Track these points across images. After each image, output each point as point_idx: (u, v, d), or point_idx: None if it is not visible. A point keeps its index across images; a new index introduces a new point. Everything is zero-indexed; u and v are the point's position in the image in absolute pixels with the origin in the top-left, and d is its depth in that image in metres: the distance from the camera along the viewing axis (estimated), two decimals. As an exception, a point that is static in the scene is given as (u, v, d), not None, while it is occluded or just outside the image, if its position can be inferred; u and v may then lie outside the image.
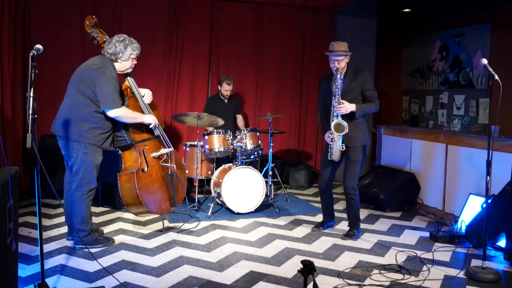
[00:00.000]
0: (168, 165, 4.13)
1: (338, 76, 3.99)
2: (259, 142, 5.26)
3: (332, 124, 3.98)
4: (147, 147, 4.04)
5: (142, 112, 4.00)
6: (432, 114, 8.03)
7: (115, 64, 3.80)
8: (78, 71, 3.74)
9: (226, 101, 5.91)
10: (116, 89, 3.70)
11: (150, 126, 3.99)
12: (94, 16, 3.94)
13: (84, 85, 3.63)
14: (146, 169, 4.00)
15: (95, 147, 3.71)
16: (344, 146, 4.05)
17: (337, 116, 4.00)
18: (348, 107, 3.97)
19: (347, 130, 3.95)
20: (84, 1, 5.80)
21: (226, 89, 5.78)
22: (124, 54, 3.78)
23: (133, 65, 3.91)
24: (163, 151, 4.10)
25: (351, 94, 4.05)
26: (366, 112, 4.12)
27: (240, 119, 6.12)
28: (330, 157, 4.12)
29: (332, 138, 4.06)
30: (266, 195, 5.22)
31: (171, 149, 4.17)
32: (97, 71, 3.64)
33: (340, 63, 3.99)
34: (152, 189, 4.02)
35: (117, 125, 3.89)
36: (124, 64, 3.83)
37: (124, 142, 3.94)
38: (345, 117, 3.99)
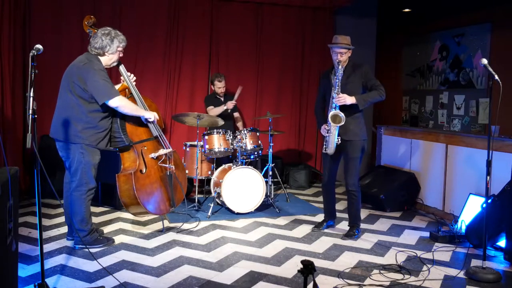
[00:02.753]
0: (167, 165, 4.13)
1: (340, 67, 4.00)
2: (259, 142, 5.26)
3: (330, 114, 3.99)
4: (145, 147, 4.03)
5: None
6: (432, 114, 8.02)
7: (102, 58, 3.77)
8: (66, 72, 3.73)
9: (222, 99, 5.91)
10: (108, 79, 3.68)
11: (149, 121, 3.95)
12: (92, 16, 3.94)
13: (74, 84, 3.62)
14: (144, 170, 3.99)
15: (92, 147, 3.71)
16: (339, 139, 4.05)
17: (335, 108, 4.01)
18: (347, 98, 3.97)
19: (343, 122, 3.95)
20: (84, 1, 5.80)
21: (218, 86, 5.79)
22: (112, 47, 3.75)
23: (119, 57, 3.88)
24: (162, 151, 4.09)
25: (349, 87, 4.06)
26: (370, 101, 4.09)
27: (237, 117, 6.12)
28: (325, 150, 4.13)
29: (328, 130, 4.07)
30: (266, 195, 5.22)
31: (170, 149, 4.16)
32: (84, 67, 3.62)
33: (342, 56, 4.01)
34: (150, 190, 4.02)
35: (113, 125, 3.88)
36: (111, 57, 3.80)
37: (122, 143, 3.93)
38: (343, 110, 3.99)
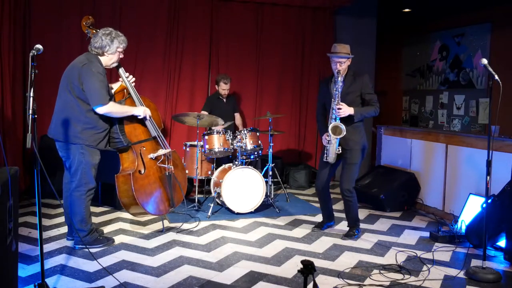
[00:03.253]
0: (166, 166, 4.11)
1: (339, 78, 4.00)
2: (259, 142, 5.26)
3: (330, 126, 3.98)
4: (144, 148, 4.02)
5: None
6: (432, 114, 8.03)
7: (102, 58, 3.75)
8: (66, 72, 3.72)
9: (225, 100, 5.91)
10: (103, 84, 3.65)
11: (139, 117, 3.93)
12: (90, 16, 3.93)
13: (73, 85, 3.61)
14: (143, 171, 3.98)
15: (92, 148, 3.71)
16: (340, 149, 4.05)
17: (335, 119, 4.00)
18: (346, 110, 3.96)
19: (344, 133, 3.95)
20: (84, 1, 5.80)
21: (223, 88, 5.78)
22: (111, 47, 3.73)
23: (119, 58, 3.87)
24: (161, 152, 4.08)
25: (350, 97, 4.05)
26: (365, 116, 4.11)
27: (238, 118, 6.12)
28: (326, 159, 4.13)
29: (329, 140, 4.07)
30: (266, 195, 5.22)
31: (169, 150, 4.15)
32: (83, 68, 3.60)
33: (342, 65, 4.00)
34: (149, 191, 4.01)
35: (112, 126, 3.87)
36: (111, 58, 3.78)
37: (120, 144, 3.92)
38: (343, 120, 3.99)
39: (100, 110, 3.64)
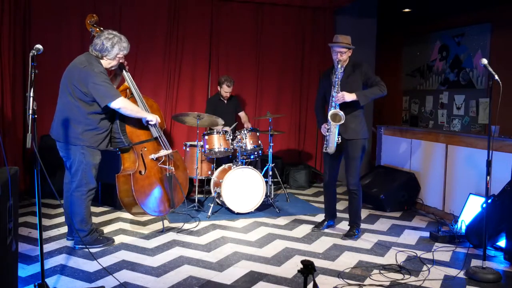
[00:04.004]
0: (166, 167, 4.11)
1: (339, 66, 4.00)
2: (259, 142, 5.26)
3: (329, 113, 3.99)
4: (145, 148, 4.02)
5: None
6: (432, 114, 8.03)
7: (101, 60, 3.73)
8: (66, 73, 3.70)
9: (226, 102, 5.91)
10: (108, 81, 3.64)
11: (151, 123, 3.95)
12: (94, 15, 3.92)
13: (74, 87, 3.60)
14: (143, 171, 3.98)
15: (93, 148, 3.70)
16: (340, 138, 4.05)
17: (335, 106, 4.01)
18: (347, 96, 3.96)
19: (343, 120, 3.95)
20: (84, 1, 5.79)
21: (226, 90, 5.77)
22: (111, 53, 3.70)
23: (119, 63, 3.85)
24: (162, 152, 4.07)
25: (349, 87, 4.05)
26: (371, 97, 4.08)
27: (243, 116, 6.09)
28: (325, 149, 4.13)
29: (328, 129, 4.07)
30: (266, 195, 5.22)
31: (170, 151, 4.14)
32: (84, 70, 3.58)
33: (342, 55, 4.01)
34: (149, 191, 4.01)
35: (113, 126, 3.86)
36: (109, 62, 3.76)
37: (121, 144, 3.91)
38: (342, 108, 3.99)
39: (115, 104, 3.61)
